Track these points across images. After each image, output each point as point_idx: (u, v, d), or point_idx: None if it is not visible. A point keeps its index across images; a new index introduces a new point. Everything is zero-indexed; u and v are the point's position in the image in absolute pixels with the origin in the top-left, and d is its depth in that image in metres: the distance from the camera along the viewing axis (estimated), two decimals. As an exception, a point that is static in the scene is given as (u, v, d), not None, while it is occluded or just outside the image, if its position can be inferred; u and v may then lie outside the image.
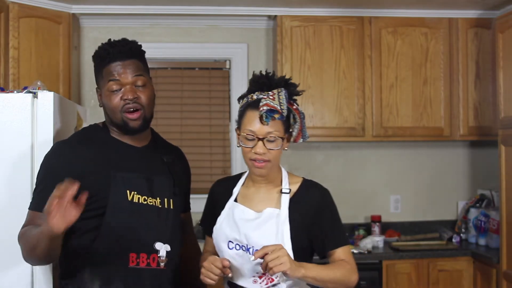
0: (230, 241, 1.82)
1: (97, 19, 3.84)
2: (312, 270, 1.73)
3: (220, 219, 1.87)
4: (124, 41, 1.91)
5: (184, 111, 4.04)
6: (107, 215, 1.75)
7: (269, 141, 1.77)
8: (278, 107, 1.74)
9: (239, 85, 3.99)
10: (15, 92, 2.63)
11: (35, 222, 1.71)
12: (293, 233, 1.80)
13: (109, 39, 1.92)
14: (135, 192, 1.79)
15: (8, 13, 3.26)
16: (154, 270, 1.79)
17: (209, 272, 1.71)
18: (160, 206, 1.83)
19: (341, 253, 1.84)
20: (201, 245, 2.07)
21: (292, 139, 1.85)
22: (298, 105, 1.86)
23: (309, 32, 3.75)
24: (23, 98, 2.57)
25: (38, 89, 2.64)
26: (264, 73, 1.85)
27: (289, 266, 1.64)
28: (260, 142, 1.76)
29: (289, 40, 3.73)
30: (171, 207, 1.86)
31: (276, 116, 1.75)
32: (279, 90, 1.79)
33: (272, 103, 1.75)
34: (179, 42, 4.00)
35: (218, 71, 4.09)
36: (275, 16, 3.80)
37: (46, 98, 2.59)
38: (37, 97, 2.59)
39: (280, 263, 1.63)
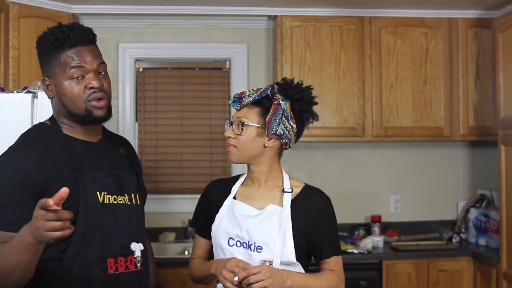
0: (230, 238, 1.82)
1: (97, 19, 3.84)
2: (298, 281, 1.76)
3: (218, 217, 1.87)
4: (79, 24, 1.72)
5: (184, 111, 4.04)
6: (79, 222, 1.61)
7: (238, 126, 1.81)
8: (247, 93, 1.81)
9: (239, 85, 3.99)
10: (15, 92, 2.64)
11: None
12: (295, 232, 1.81)
13: (59, 23, 1.73)
14: (105, 193, 1.68)
15: (8, 13, 3.26)
16: (132, 273, 1.71)
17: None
18: (129, 203, 1.74)
19: (333, 263, 1.87)
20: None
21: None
22: (294, 103, 1.83)
23: (309, 32, 3.75)
24: (23, 98, 2.58)
25: (38, 89, 2.65)
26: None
27: (272, 283, 1.68)
28: (231, 126, 1.83)
29: (289, 40, 3.73)
30: (138, 202, 1.79)
31: (244, 101, 1.80)
32: (268, 85, 1.84)
33: (246, 92, 1.82)
34: (179, 42, 4.00)
35: (218, 71, 4.09)
36: (275, 16, 3.80)
37: (46, 98, 2.59)
38: (37, 97, 2.59)
39: (264, 286, 1.68)
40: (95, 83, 1.67)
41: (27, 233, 1.37)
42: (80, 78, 1.66)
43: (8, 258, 1.44)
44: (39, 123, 1.81)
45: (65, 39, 1.65)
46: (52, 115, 1.79)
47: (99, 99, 1.68)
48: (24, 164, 1.61)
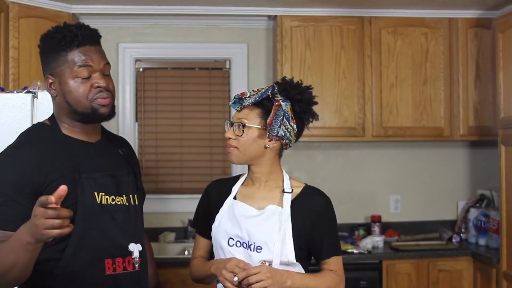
0: (230, 238, 1.82)
1: (97, 19, 3.83)
2: (298, 281, 1.77)
3: (218, 217, 1.87)
4: (86, 24, 1.74)
5: (184, 111, 4.04)
6: (77, 223, 1.59)
7: (239, 127, 1.81)
8: (247, 94, 1.81)
9: (239, 85, 3.99)
10: (15, 92, 2.64)
11: None
12: (295, 232, 1.81)
13: (64, 22, 1.74)
14: (103, 193, 1.68)
15: (8, 13, 3.26)
16: (130, 274, 1.71)
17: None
18: (127, 204, 1.75)
19: (333, 263, 1.88)
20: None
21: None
22: (295, 103, 1.82)
23: (309, 32, 3.75)
24: (23, 98, 2.58)
25: (38, 89, 2.65)
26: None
27: (272, 283, 1.69)
28: (231, 127, 1.83)
29: (289, 40, 3.73)
30: (136, 202, 1.80)
31: (244, 103, 1.80)
32: (268, 86, 1.84)
33: (246, 93, 1.82)
34: (179, 42, 4.00)
35: (218, 71, 4.09)
36: (275, 16, 3.80)
37: (46, 98, 2.60)
38: (37, 97, 2.60)
39: (263, 286, 1.68)
40: (101, 83, 1.68)
41: (26, 232, 1.37)
42: (86, 77, 1.67)
43: (6, 257, 1.44)
44: (38, 122, 1.81)
45: (73, 38, 1.66)
46: (52, 114, 1.79)
47: (105, 98, 1.70)
48: (23, 163, 1.61)
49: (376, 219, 3.93)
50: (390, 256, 3.49)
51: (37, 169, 1.60)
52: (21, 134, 1.75)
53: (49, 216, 1.29)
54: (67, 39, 1.66)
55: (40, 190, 1.59)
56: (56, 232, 1.31)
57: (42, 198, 1.30)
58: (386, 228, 3.98)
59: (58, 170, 1.63)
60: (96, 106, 1.69)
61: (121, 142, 1.96)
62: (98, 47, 1.72)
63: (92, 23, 3.87)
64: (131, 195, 1.78)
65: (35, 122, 2.52)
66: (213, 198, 1.94)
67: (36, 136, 1.71)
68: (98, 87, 1.68)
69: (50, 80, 1.72)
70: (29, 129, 1.79)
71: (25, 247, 1.39)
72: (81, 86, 1.67)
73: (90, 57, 1.67)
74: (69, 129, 1.74)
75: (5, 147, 1.71)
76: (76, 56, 1.66)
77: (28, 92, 2.61)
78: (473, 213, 3.83)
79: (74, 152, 1.70)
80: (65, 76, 1.68)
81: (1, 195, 1.57)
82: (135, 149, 3.95)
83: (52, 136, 1.71)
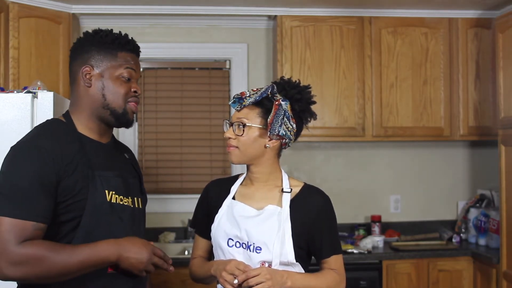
0: (230, 239, 1.82)
1: (97, 19, 3.84)
2: (299, 281, 1.77)
3: (218, 217, 1.87)
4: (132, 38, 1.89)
5: (184, 111, 4.04)
6: (85, 218, 1.63)
7: (239, 126, 1.81)
8: (247, 94, 1.81)
9: (239, 85, 4.00)
10: (15, 92, 2.64)
11: (26, 234, 1.54)
12: (294, 232, 1.81)
13: (111, 30, 1.85)
14: (113, 192, 1.71)
15: (8, 13, 3.26)
16: (130, 275, 1.72)
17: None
18: (132, 206, 1.78)
19: (333, 262, 1.88)
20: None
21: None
22: (295, 103, 1.82)
23: (309, 32, 3.75)
24: (23, 98, 2.58)
25: (38, 89, 2.65)
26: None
27: (272, 284, 1.70)
28: (231, 127, 1.83)
29: (289, 40, 3.73)
30: (140, 206, 1.83)
31: (244, 102, 1.80)
32: (267, 85, 1.84)
33: (246, 92, 1.82)
34: (179, 42, 4.01)
35: (218, 71, 4.09)
36: (275, 16, 3.80)
37: (46, 98, 2.60)
38: (37, 97, 2.60)
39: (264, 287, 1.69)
40: (139, 90, 1.81)
41: (113, 253, 1.60)
42: (127, 79, 1.78)
43: (65, 261, 1.55)
44: (53, 118, 1.83)
45: (126, 42, 1.81)
46: (67, 111, 1.81)
47: (136, 105, 1.82)
48: (41, 156, 1.62)
49: (376, 219, 3.93)
50: (390, 256, 3.49)
51: (55, 161, 1.62)
52: (37, 127, 1.78)
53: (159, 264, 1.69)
54: (121, 41, 1.80)
55: (58, 182, 1.61)
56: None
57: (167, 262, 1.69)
58: (386, 228, 3.98)
59: (72, 164, 1.65)
60: (128, 109, 1.78)
61: (126, 148, 2.01)
62: (138, 59, 1.87)
63: (92, 23, 3.90)
64: (135, 198, 1.81)
65: (35, 122, 2.52)
66: (212, 198, 1.94)
67: (51, 131, 1.74)
68: (135, 92, 1.79)
69: (88, 69, 1.76)
70: (44, 123, 1.81)
71: (104, 264, 1.61)
72: (123, 84, 1.77)
73: (135, 64, 1.83)
74: (84, 127, 1.77)
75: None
76: (126, 57, 1.80)
77: (28, 92, 2.61)
78: (473, 213, 3.83)
79: (87, 150, 1.73)
80: (109, 71, 1.77)
81: (24, 188, 1.58)
82: (135, 149, 3.96)
83: (67, 132, 1.74)
